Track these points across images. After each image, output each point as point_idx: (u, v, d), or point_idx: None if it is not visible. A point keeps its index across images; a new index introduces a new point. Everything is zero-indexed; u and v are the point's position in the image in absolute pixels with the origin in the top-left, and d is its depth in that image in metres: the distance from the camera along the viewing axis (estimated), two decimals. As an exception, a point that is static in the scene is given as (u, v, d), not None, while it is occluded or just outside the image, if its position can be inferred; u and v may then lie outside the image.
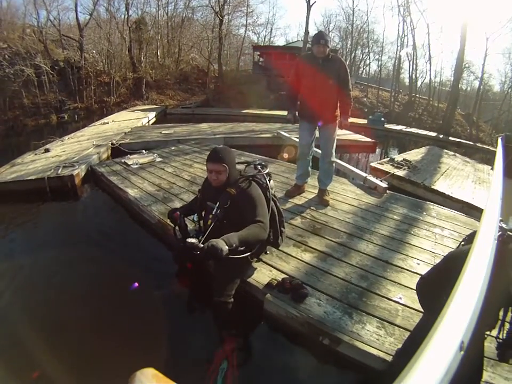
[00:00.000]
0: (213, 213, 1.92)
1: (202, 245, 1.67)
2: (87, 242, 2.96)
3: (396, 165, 5.56)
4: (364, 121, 14.00)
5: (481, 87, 23.43)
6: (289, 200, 3.39)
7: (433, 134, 14.72)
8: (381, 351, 1.67)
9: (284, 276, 2.10)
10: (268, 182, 2.06)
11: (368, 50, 26.86)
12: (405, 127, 15.23)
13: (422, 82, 25.46)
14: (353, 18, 24.61)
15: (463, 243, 1.70)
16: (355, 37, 26.06)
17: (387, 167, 5.36)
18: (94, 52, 16.65)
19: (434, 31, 39.90)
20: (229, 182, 1.94)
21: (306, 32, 18.68)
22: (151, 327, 1.82)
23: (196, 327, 1.94)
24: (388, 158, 5.95)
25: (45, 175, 4.07)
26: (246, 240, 1.75)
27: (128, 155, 5.00)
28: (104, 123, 8.85)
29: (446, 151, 8.79)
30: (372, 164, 5.48)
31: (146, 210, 3.10)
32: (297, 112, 3.35)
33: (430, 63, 23.51)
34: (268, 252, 2.27)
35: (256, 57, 21.47)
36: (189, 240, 1.71)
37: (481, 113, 23.91)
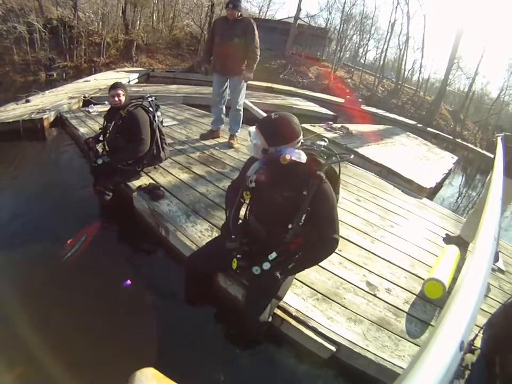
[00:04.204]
0: (110, 129, 2.76)
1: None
2: (44, 171, 3.79)
3: (329, 129, 6.11)
4: (342, 100, 14.49)
5: (473, 86, 23.32)
6: (202, 141, 4.17)
7: (412, 122, 14.72)
8: (195, 244, 2.12)
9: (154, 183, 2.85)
10: (154, 110, 2.87)
11: (361, 37, 26.68)
12: (385, 112, 15.17)
13: (409, 72, 25.59)
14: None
15: None
16: (357, 21, 25.99)
17: (319, 129, 5.90)
18: (91, 11, 16.84)
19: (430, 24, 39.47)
20: (121, 106, 2.74)
21: (299, 9, 19.18)
22: (151, 327, 1.79)
23: (195, 325, 1.93)
24: (325, 124, 6.47)
25: (20, 118, 4.83)
26: (128, 156, 2.72)
27: (92, 105, 5.74)
28: (86, 81, 9.42)
29: (409, 133, 8.95)
30: (303, 125, 6.00)
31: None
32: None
33: (422, 54, 23.59)
34: (155, 167, 3.10)
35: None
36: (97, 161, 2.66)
37: (473, 114, 23.88)
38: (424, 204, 3.80)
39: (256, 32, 3.70)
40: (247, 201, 1.78)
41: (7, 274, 2.05)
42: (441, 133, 14.55)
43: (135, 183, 2.84)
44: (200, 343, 1.78)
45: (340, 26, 25.21)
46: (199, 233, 2.27)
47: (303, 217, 1.54)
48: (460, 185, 7.86)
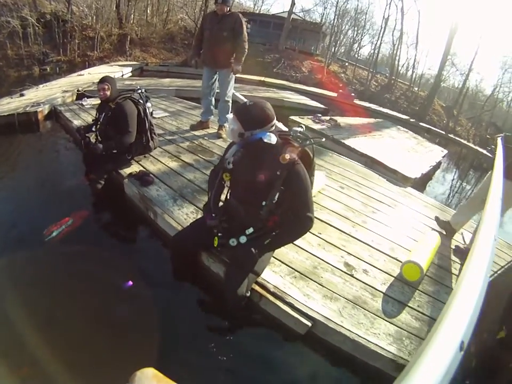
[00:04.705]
0: (100, 120, 2.91)
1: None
2: (39, 162, 3.91)
3: (317, 121, 6.25)
4: (334, 94, 14.61)
5: (468, 83, 23.78)
6: (192, 132, 4.32)
7: (405, 116, 14.84)
8: (181, 225, 2.24)
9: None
10: (144, 101, 3.01)
11: (356, 32, 26.82)
12: (378, 106, 15.31)
13: (405, 68, 25.85)
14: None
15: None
16: (351, 17, 26.15)
17: (307, 121, 6.04)
18: (84, 5, 16.79)
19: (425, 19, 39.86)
20: (110, 99, 2.88)
21: (292, 3, 19.35)
22: (151, 326, 1.79)
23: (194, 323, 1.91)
24: (313, 116, 6.58)
25: (15, 112, 4.93)
26: (115, 146, 2.86)
27: (85, 98, 5.85)
28: (80, 75, 9.46)
29: (399, 127, 8.96)
30: (291, 117, 6.14)
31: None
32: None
33: (416, 50, 24.02)
34: (146, 156, 3.25)
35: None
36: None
37: (467, 111, 24.35)
38: (408, 192, 3.90)
39: (244, 26, 3.84)
40: (228, 185, 1.93)
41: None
42: (433, 128, 14.68)
43: (126, 171, 2.97)
44: (187, 323, 1.86)
45: (334, 21, 25.36)
46: (185, 216, 2.39)
47: (277, 196, 1.67)
48: (452, 179, 8.02)
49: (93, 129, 3.05)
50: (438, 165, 6.90)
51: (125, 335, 1.78)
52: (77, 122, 4.42)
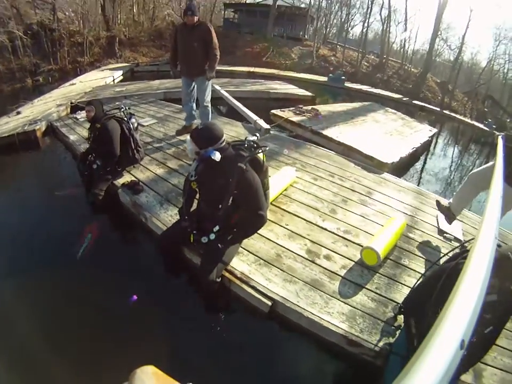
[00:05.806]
0: (91, 140, 3.29)
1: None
2: (41, 178, 4.25)
3: (298, 112, 6.35)
4: (325, 78, 14.67)
5: (463, 56, 23.64)
6: (177, 137, 4.64)
7: (397, 96, 14.76)
8: (166, 226, 2.57)
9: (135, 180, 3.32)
10: (127, 118, 3.37)
11: (346, 11, 26.53)
12: (369, 87, 15.31)
13: (397, 45, 25.62)
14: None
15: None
16: None
17: (287, 114, 6.15)
18: (71, 10, 16.88)
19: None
20: (95, 119, 3.24)
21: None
22: (151, 325, 1.88)
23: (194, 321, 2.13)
24: (295, 107, 6.65)
25: (15, 132, 5.21)
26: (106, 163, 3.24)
27: (79, 111, 6.16)
28: (72, 84, 9.70)
29: (388, 108, 8.84)
30: (273, 111, 6.27)
31: (78, 148, 4.31)
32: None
33: (406, 27, 24.04)
34: (135, 166, 3.60)
35: (230, 14, 21.89)
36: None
37: (464, 85, 24.11)
38: (383, 178, 4.00)
39: (214, 34, 4.12)
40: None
41: (14, 278, 2.29)
42: (427, 105, 14.59)
43: (120, 181, 3.32)
44: (171, 305, 2.16)
45: (320, 2, 25.13)
46: (170, 217, 2.77)
47: (230, 199, 2.06)
48: (444, 158, 7.91)
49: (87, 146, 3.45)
50: (426, 145, 6.79)
51: (124, 334, 1.92)
52: (73, 138, 4.75)
